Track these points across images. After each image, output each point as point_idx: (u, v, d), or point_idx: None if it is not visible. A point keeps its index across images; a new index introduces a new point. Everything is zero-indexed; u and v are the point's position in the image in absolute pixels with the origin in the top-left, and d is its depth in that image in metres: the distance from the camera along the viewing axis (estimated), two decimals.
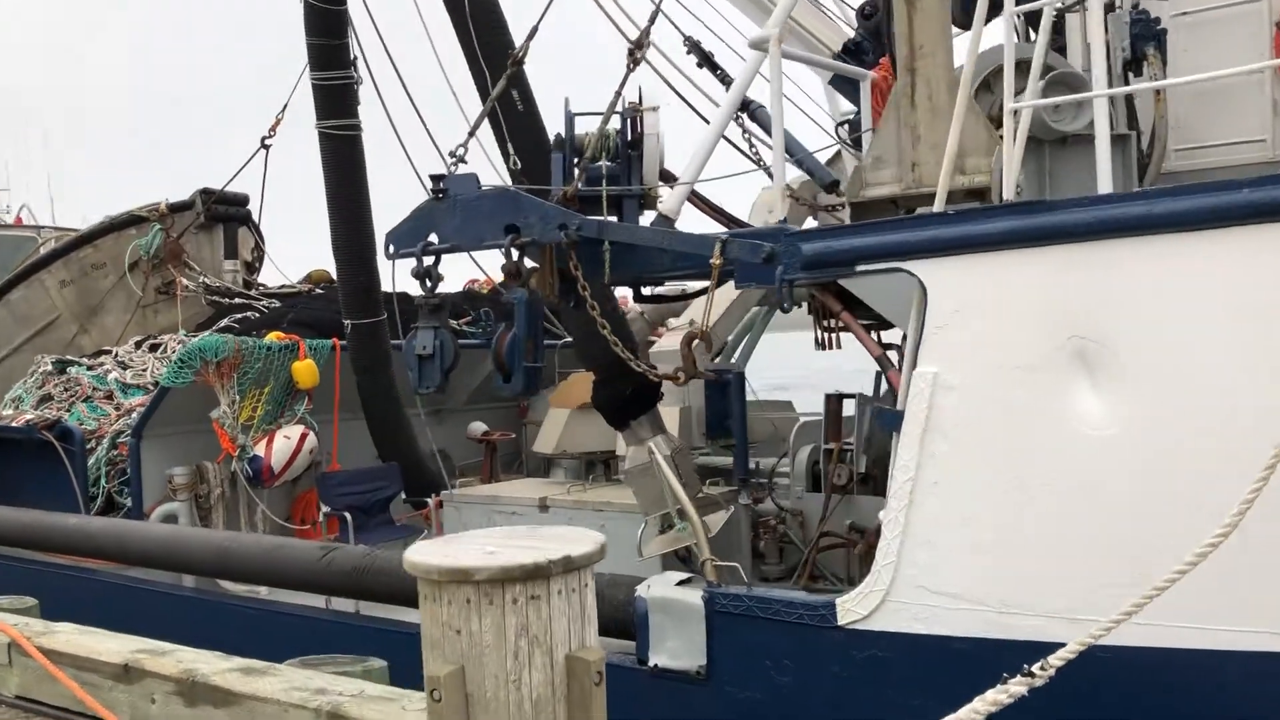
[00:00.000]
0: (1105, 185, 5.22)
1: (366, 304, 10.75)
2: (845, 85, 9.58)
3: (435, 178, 6.53)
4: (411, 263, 6.74)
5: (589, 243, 6.10)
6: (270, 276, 16.20)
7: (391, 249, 6.76)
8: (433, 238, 6.57)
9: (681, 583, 5.78)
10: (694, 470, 8.67)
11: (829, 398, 11.01)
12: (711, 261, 5.52)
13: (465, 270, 16.36)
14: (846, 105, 9.66)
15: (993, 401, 4.72)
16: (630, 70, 6.47)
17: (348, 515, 9.70)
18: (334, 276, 15.65)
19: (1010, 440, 4.68)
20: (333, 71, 10.25)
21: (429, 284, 6.55)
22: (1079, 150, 5.84)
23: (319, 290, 14.77)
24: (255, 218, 15.90)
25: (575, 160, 6.85)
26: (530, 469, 14.00)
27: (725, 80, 8.60)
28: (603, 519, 9.87)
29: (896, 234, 4.95)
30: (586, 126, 7.13)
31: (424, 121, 11.83)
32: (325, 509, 10.17)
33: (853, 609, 5.08)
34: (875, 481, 10.55)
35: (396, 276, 7.04)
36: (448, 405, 13.54)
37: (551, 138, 7.12)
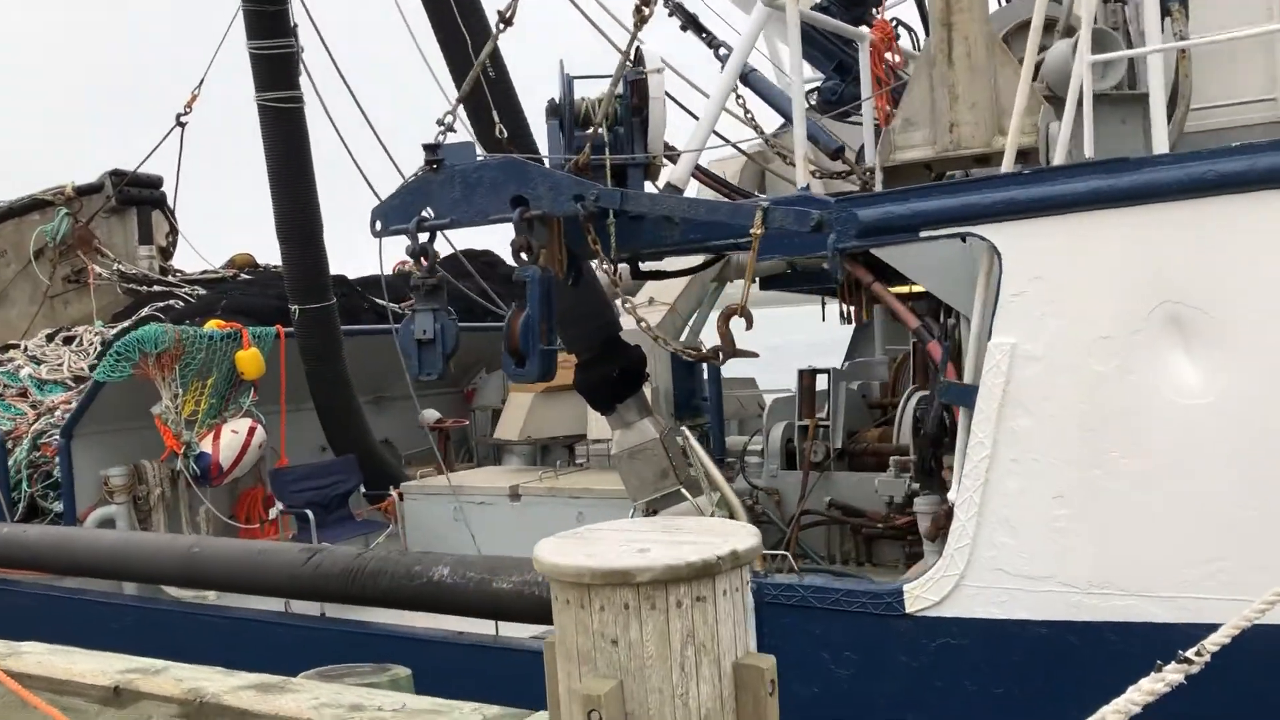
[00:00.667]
0: (1161, 145, 5.03)
1: (315, 288, 10.13)
2: (813, 52, 9.29)
3: (429, 147, 6.03)
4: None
5: (589, 216, 5.69)
6: (185, 262, 15.33)
7: (379, 225, 6.24)
8: (427, 212, 6.07)
9: None
10: (682, 452, 8.33)
11: (802, 373, 10.78)
12: (752, 231, 5.16)
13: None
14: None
15: (1077, 372, 4.46)
16: (638, 28, 6.04)
17: (309, 513, 9.11)
18: (258, 261, 14.97)
19: (1097, 412, 4.44)
20: (272, 40, 9.58)
21: (425, 262, 6.05)
22: (1104, 109, 5.64)
23: (245, 275, 14.01)
24: (169, 200, 15.01)
25: (575, 128, 6.43)
26: (480, 456, 13.52)
27: (712, 44, 8.21)
28: (579, 506, 9.48)
29: (967, 196, 4.65)
30: (582, 91, 6.70)
31: (353, 94, 11.22)
32: (280, 506, 9.56)
33: (922, 595, 4.81)
34: (851, 458, 10.41)
35: (384, 255, 6.50)
36: (389, 392, 12.96)
37: (545, 103, 6.67)
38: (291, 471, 9.89)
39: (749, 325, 5.35)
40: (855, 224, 4.87)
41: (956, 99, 5.53)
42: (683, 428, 8.02)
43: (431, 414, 12.30)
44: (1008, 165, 4.86)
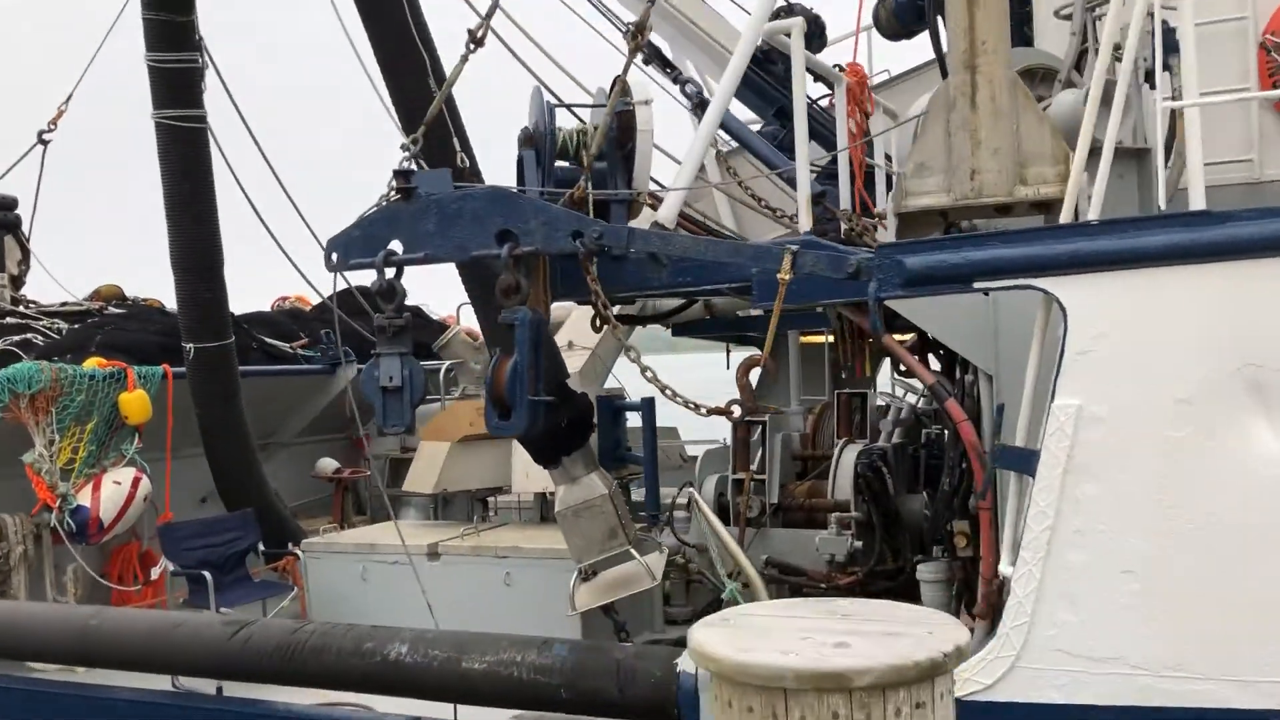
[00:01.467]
0: (1162, 200, 4.88)
1: (213, 325, 9.23)
2: (751, 96, 9.03)
3: (401, 173, 5.42)
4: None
5: (589, 254, 5.19)
6: (39, 292, 14.00)
7: (336, 258, 5.57)
8: (395, 245, 5.45)
9: None
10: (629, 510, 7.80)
11: (736, 424, 10.41)
12: (779, 276, 4.74)
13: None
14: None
15: (1149, 437, 4.17)
16: (631, 58, 5.59)
17: (207, 575, 8.18)
18: (126, 294, 13.77)
19: (1170, 481, 4.15)
20: (176, 53, 8.74)
21: (393, 301, 5.42)
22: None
23: (114, 309, 12.83)
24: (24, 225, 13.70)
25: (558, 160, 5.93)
26: (373, 510, 12.64)
27: (678, 80, 7.81)
28: (507, 566, 8.82)
29: (1029, 247, 4.34)
30: (560, 120, 6.21)
31: (244, 119, 10.40)
32: (165, 565, 8.57)
33: (973, 678, 4.41)
34: (784, 513, 10.05)
35: (337, 289, 5.83)
36: (276, 438, 12.04)
37: (518, 131, 6.14)
38: (182, 527, 8.92)
39: (774, 377, 4.90)
40: (901, 272, 4.50)
41: (979, 145, 5.26)
42: (605, 484, 7.53)
43: (329, 463, 11.43)
44: (1066, 215, 4.58)
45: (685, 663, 4.97)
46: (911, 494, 9.80)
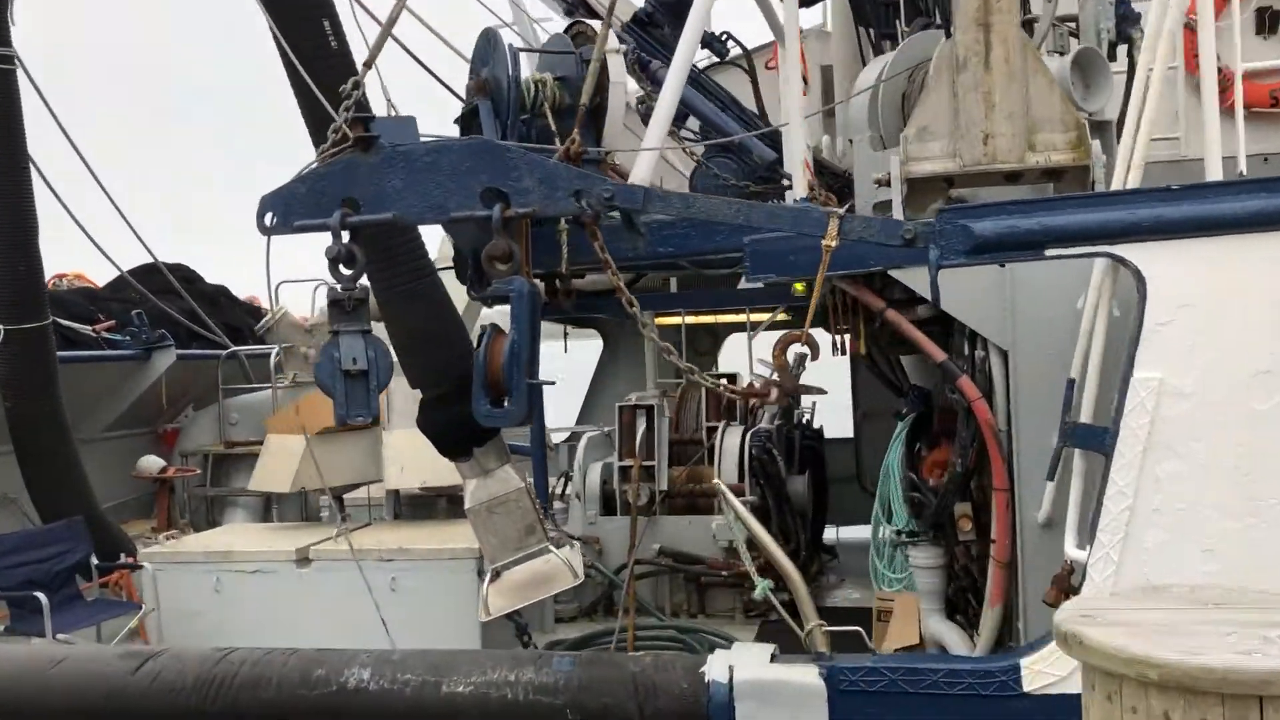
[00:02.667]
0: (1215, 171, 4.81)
1: (27, 302, 7.88)
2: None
3: (360, 119, 4.63)
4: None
5: (595, 217, 4.59)
6: None
7: (272, 219, 4.71)
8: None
9: (776, 656, 4.47)
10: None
11: (622, 410, 9.92)
12: (824, 243, 4.30)
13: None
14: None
15: (1232, 410, 4.01)
16: (612, 9, 5.01)
17: (41, 596, 6.92)
18: None
19: (1254, 456, 4.00)
20: None
21: (349, 270, 4.61)
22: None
23: None
24: None
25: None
26: (191, 511, 11.31)
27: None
28: (393, 571, 7.98)
29: (1107, 212, 4.08)
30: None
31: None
32: None
33: (1044, 670, 4.15)
34: (679, 500, 9.64)
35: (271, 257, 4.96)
36: (79, 434, 10.57)
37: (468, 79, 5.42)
38: (2, 540, 7.57)
39: (815, 355, 4.46)
40: (967, 238, 4.15)
41: (993, 107, 5.01)
42: (518, 478, 6.94)
43: (154, 462, 10.09)
44: (1133, 180, 4.37)
45: (714, 671, 4.48)
46: (795, 476, 9.65)
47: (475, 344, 4.78)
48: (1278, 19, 7.25)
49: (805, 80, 6.72)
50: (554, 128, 5.34)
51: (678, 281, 11.71)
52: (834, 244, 4.31)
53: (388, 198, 4.63)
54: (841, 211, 4.35)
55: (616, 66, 5.34)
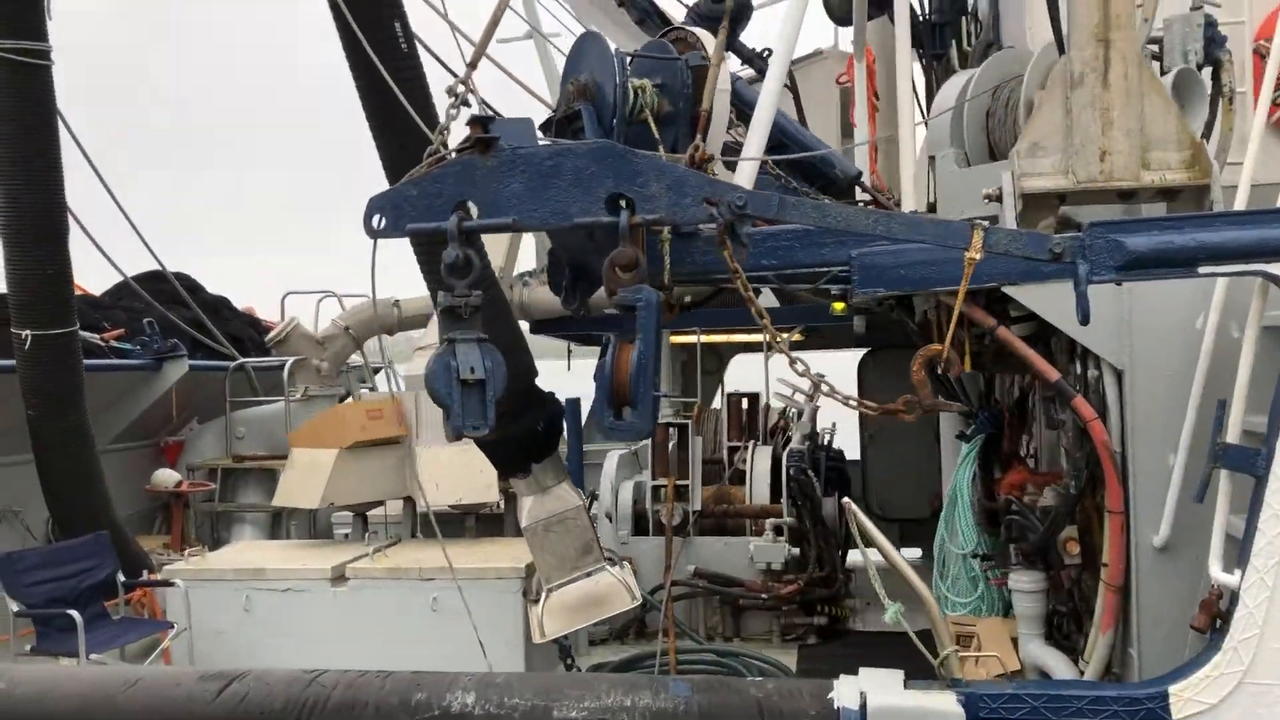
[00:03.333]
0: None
1: (56, 307, 7.57)
2: None
3: (479, 120, 4.46)
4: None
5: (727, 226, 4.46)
6: None
7: (380, 222, 4.52)
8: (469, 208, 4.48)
9: (910, 684, 4.33)
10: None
11: (656, 427, 9.75)
12: (968, 255, 4.20)
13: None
14: None
15: None
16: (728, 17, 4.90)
17: (75, 615, 6.60)
18: None
19: None
20: None
21: (468, 276, 4.43)
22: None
23: None
24: None
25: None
26: (197, 526, 10.94)
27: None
28: (433, 591, 7.74)
29: (1264, 229, 4.02)
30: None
31: None
32: (12, 605, 6.89)
33: (1194, 698, 4.04)
34: (709, 520, 9.48)
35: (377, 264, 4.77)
36: None
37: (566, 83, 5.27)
38: (24, 556, 7.23)
39: (956, 371, 4.35)
40: (1120, 254, 4.07)
41: (1111, 124, 4.93)
42: (576, 495, 6.78)
43: (169, 475, 9.75)
44: (1240, 200, 4.33)
45: (843, 697, 4.33)
46: (827, 497, 9.54)
47: (600, 354, 4.58)
48: None
49: (876, 96, 6.65)
50: (657, 135, 5.19)
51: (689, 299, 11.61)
52: (978, 256, 4.22)
53: (506, 202, 4.45)
54: (986, 223, 4.24)
55: (724, 75, 5.22)
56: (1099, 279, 4.13)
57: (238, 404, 11.08)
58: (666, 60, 5.28)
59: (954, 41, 7.94)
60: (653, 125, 5.22)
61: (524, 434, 6.50)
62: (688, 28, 5.59)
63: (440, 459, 8.40)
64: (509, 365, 6.71)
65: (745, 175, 5.25)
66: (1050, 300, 5.06)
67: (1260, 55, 6.90)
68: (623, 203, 4.35)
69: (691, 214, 4.38)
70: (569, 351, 13.63)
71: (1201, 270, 4.10)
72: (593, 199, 4.40)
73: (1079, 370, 5.30)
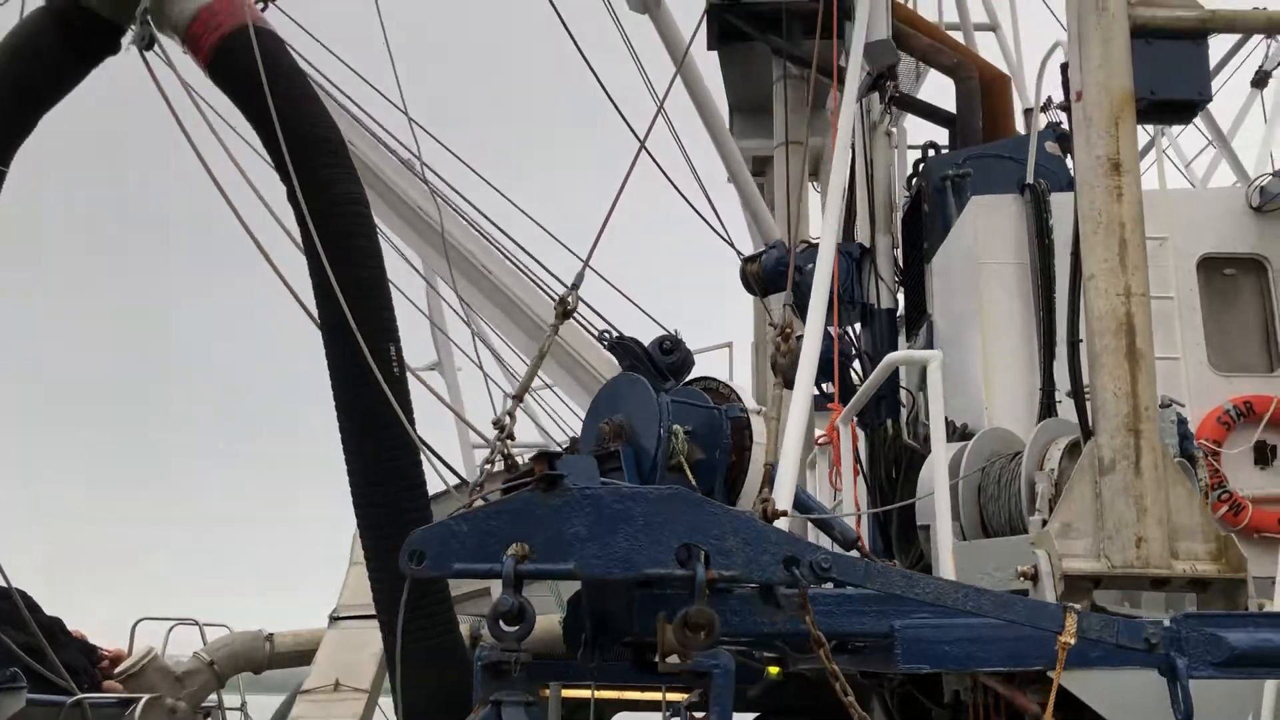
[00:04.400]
0: None
1: None
2: None
3: (544, 455, 4.14)
4: None
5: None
6: None
7: (420, 562, 4.04)
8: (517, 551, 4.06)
9: None
10: None
11: None
12: (1062, 639, 4.01)
13: None
14: None
15: None
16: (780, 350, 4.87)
17: None
18: None
19: None
20: None
21: (520, 626, 3.94)
22: None
23: None
24: None
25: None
26: None
27: None
28: None
29: None
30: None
31: None
32: None
33: None
34: None
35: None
36: None
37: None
38: None
39: None
40: (1219, 650, 3.95)
41: (1145, 511, 5.00)
42: None
43: None
44: None
45: None
46: None
47: None
48: None
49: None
50: (693, 481, 4.96)
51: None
52: (1072, 641, 4.03)
53: (567, 545, 4.07)
54: (1078, 607, 4.08)
55: (759, 427, 5.11)
56: (1197, 674, 3.98)
57: None
58: (703, 409, 5.16)
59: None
60: (688, 472, 4.99)
61: None
62: (719, 380, 5.54)
63: None
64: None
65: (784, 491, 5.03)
66: (1099, 689, 4.85)
67: None
68: (701, 555, 4.03)
69: (770, 573, 4.09)
70: None
71: None
72: (663, 549, 4.07)
73: None
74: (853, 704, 4.07)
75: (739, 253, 9.60)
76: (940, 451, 5.22)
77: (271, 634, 10.64)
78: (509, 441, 4.77)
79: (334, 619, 9.90)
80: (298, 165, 5.77)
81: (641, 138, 7.21)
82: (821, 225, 7.33)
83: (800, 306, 8.66)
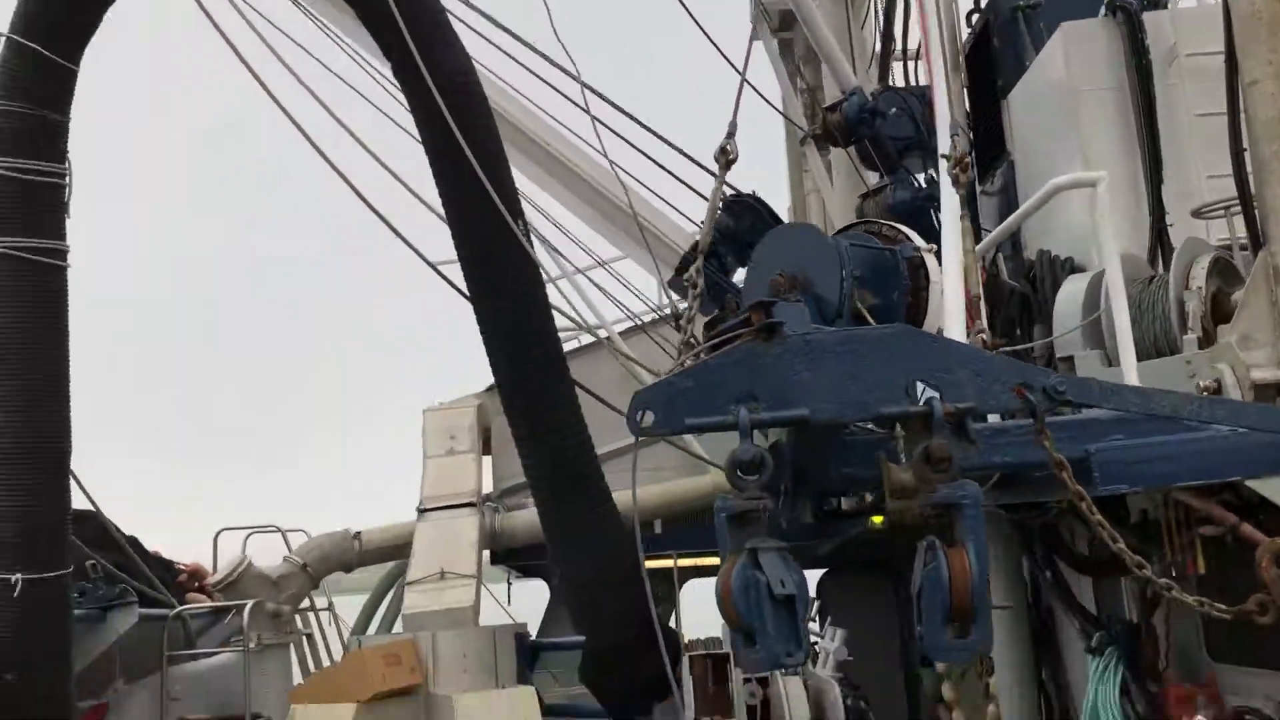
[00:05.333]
0: None
1: (50, 544, 6.36)
2: None
3: (761, 304, 4.03)
4: None
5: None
6: None
7: (648, 418, 3.95)
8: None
9: None
10: None
11: (693, 659, 8.96)
12: None
13: None
14: None
15: None
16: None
17: None
18: None
19: None
20: (37, 162, 6.30)
21: (761, 475, 3.87)
22: None
23: None
24: None
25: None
26: None
27: None
28: None
29: None
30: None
31: None
32: None
33: None
34: None
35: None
36: None
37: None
38: None
39: None
40: None
41: None
42: None
43: None
44: None
45: None
46: None
47: (918, 562, 4.00)
48: None
49: None
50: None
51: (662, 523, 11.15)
52: None
53: (796, 393, 3.98)
54: None
55: (933, 264, 4.99)
56: None
57: (175, 659, 9.59)
58: (877, 250, 5.03)
59: None
60: (867, 317, 4.89)
61: (650, 671, 5.76)
62: (881, 221, 5.40)
63: (485, 709, 7.33)
64: (629, 596, 6.06)
65: None
66: None
67: None
68: (936, 390, 3.94)
69: (1003, 401, 4.02)
70: (509, 583, 12.84)
71: None
72: (892, 387, 3.98)
73: None
74: (1101, 522, 4.04)
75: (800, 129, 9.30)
76: (1116, 271, 5.11)
77: (359, 531, 10.64)
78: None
79: (421, 511, 9.86)
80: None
81: None
82: (930, 66, 7.08)
83: (881, 155, 8.48)
